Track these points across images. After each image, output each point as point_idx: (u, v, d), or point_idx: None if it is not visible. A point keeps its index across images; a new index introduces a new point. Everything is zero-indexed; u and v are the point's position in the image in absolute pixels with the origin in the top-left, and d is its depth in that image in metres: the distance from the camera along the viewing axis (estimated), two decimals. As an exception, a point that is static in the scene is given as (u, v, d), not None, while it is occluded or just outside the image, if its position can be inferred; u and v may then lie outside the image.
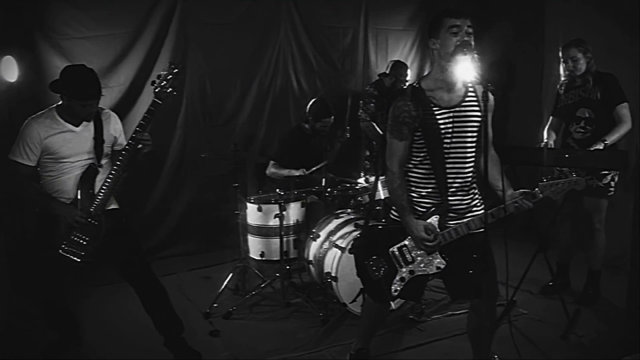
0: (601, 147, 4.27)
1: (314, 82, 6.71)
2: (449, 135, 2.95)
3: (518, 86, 6.95)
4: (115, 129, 3.69)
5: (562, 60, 4.60)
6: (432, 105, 2.94)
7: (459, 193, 3.03)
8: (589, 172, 4.42)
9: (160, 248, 6.00)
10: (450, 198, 3.01)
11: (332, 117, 5.36)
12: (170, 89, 3.51)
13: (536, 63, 6.53)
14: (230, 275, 4.88)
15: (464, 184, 3.03)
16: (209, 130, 6.14)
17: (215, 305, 4.61)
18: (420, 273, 3.08)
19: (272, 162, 5.36)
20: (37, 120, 3.41)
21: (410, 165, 3.08)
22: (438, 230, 2.98)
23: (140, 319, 3.84)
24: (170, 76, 3.52)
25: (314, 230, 4.76)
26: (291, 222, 4.84)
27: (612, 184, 4.53)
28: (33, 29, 5.16)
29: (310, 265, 4.71)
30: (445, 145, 2.96)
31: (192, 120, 6.05)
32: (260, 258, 4.86)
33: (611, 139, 4.33)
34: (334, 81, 6.85)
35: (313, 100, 5.45)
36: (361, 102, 6.33)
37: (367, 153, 6.45)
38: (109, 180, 3.47)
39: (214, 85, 6.11)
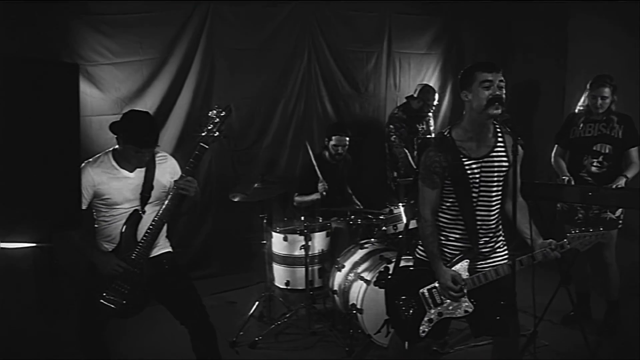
0: (623, 182, 4.35)
1: (338, 105, 6.79)
2: (477, 184, 3.03)
3: (540, 110, 6.97)
4: (172, 173, 3.62)
5: (590, 94, 4.58)
6: (462, 156, 3.01)
7: (486, 237, 3.11)
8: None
9: (187, 270, 6.05)
10: (479, 241, 3.09)
11: (347, 138, 5.43)
12: (217, 133, 3.48)
13: (558, 88, 6.55)
14: (257, 303, 4.96)
15: (489, 229, 3.11)
16: (233, 154, 6.23)
17: (241, 333, 4.68)
18: (448, 316, 3.15)
19: (296, 193, 5.45)
20: (92, 164, 3.40)
21: (439, 210, 3.15)
22: (468, 274, 3.06)
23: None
24: (218, 120, 3.50)
25: (338, 260, 4.83)
26: (316, 252, 4.91)
27: (622, 216, 4.60)
28: (61, 56, 5.23)
29: (335, 295, 4.78)
30: (473, 194, 3.04)
31: (218, 144, 6.09)
32: (285, 287, 4.95)
33: (630, 175, 4.43)
34: (358, 105, 6.92)
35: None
36: (392, 126, 6.38)
37: (395, 174, 6.45)
38: (151, 227, 3.45)
39: (239, 109, 6.18)
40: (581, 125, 4.67)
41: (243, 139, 6.29)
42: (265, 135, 6.41)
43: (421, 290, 3.16)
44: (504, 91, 2.97)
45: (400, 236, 4.96)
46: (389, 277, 3.46)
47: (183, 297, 3.65)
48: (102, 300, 3.39)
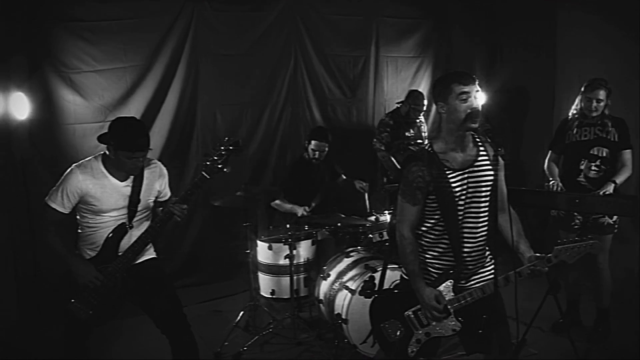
0: (612, 188, 4.28)
1: (326, 111, 6.74)
2: (463, 197, 2.95)
3: (531, 114, 6.93)
4: (161, 183, 3.62)
5: (585, 96, 4.52)
6: (446, 168, 2.94)
7: (473, 254, 3.02)
8: None
9: (172, 278, 5.98)
10: (464, 258, 3.01)
11: (326, 142, 5.45)
12: (221, 166, 3.36)
13: (548, 92, 6.51)
14: (242, 313, 4.89)
15: (476, 244, 3.02)
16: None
17: (226, 343, 4.61)
18: (436, 335, 3.08)
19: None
20: (82, 169, 3.35)
21: (424, 228, 3.06)
22: (453, 294, 2.98)
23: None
24: (225, 152, 3.37)
25: (324, 268, 4.77)
26: (301, 260, 4.86)
27: (618, 220, 4.53)
28: (44, 63, 5.20)
29: (321, 305, 4.72)
30: (459, 208, 2.96)
31: (203, 151, 6.05)
32: (270, 296, 4.89)
33: (619, 180, 4.35)
34: (346, 110, 6.87)
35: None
36: (377, 131, 6.34)
37: (385, 180, 6.40)
38: (135, 244, 3.42)
39: (224, 116, 6.13)
40: (575, 129, 4.61)
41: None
42: (251, 141, 6.35)
43: (406, 313, 3.09)
44: (480, 101, 2.91)
45: (387, 244, 4.90)
46: (375, 296, 3.39)
47: (163, 306, 3.59)
48: (68, 307, 3.36)
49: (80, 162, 3.41)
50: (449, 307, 2.98)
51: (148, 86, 5.71)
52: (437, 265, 3.05)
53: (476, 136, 3.01)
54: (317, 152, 5.43)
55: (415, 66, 7.18)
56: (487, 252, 3.12)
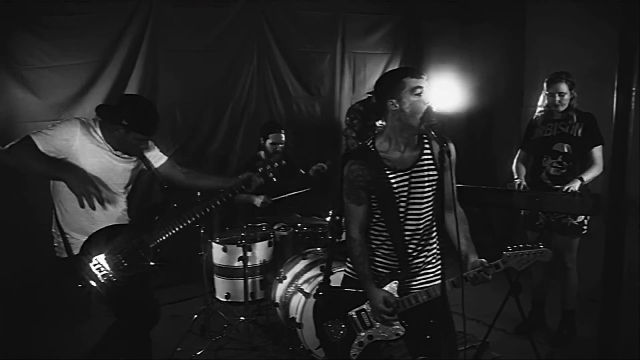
0: (577, 185, 4.14)
1: (291, 108, 6.59)
2: (405, 198, 2.83)
3: (499, 112, 6.82)
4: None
5: (546, 92, 4.43)
6: (386, 168, 2.81)
7: (415, 253, 2.91)
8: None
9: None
10: (408, 260, 2.90)
11: (283, 133, 5.34)
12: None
13: (517, 88, 6.42)
14: (195, 317, 4.74)
15: (419, 244, 2.91)
16: (180, 160, 5.97)
17: (179, 349, 4.47)
18: (379, 338, 2.97)
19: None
20: (83, 129, 3.20)
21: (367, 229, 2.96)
22: (397, 296, 2.86)
23: None
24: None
25: (281, 271, 4.62)
26: (257, 263, 4.73)
27: (586, 222, 4.42)
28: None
29: (277, 308, 4.57)
30: (400, 209, 2.83)
31: (162, 150, 5.88)
32: (226, 299, 4.73)
33: (587, 178, 4.24)
34: (312, 107, 6.72)
35: None
36: (347, 118, 6.17)
37: None
38: None
39: (185, 113, 5.98)
40: (541, 126, 4.53)
41: (189, 144, 6.08)
42: (213, 139, 6.21)
43: (350, 313, 2.98)
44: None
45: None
46: (319, 294, 3.24)
47: None
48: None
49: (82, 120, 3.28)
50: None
51: (104, 83, 5.54)
52: (383, 267, 2.94)
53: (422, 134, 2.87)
54: (277, 146, 5.29)
55: (383, 63, 7.05)
56: (434, 252, 3.00)
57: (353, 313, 2.98)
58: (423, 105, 2.72)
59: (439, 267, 2.95)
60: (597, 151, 4.33)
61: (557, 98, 4.35)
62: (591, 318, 4.69)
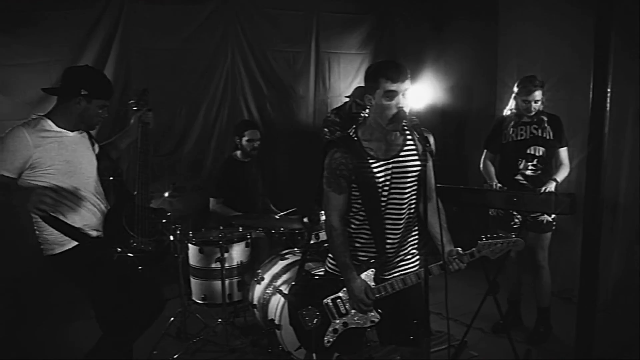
0: (553, 186, 4.24)
1: (265, 109, 6.53)
2: (387, 188, 2.84)
3: (473, 113, 6.86)
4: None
5: (520, 98, 4.45)
6: (369, 157, 2.82)
7: (394, 244, 2.93)
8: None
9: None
10: (387, 249, 2.91)
11: (259, 130, 5.35)
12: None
13: (490, 89, 6.46)
14: (172, 319, 4.66)
15: (399, 235, 2.93)
16: (152, 160, 5.89)
17: (155, 352, 4.39)
18: (354, 326, 2.99)
19: (212, 198, 5.25)
20: (30, 129, 3.12)
21: (347, 217, 2.97)
22: (374, 283, 2.89)
23: None
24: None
25: (258, 272, 4.56)
26: (235, 264, 4.64)
27: (555, 217, 4.49)
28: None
29: (255, 310, 4.51)
30: (382, 198, 2.85)
31: (135, 150, 5.78)
32: (202, 301, 4.66)
33: (560, 178, 4.35)
34: (286, 108, 6.67)
35: None
36: (326, 129, 6.13)
37: None
38: None
39: (158, 113, 5.81)
40: (511, 129, 4.56)
41: (162, 144, 5.98)
42: (186, 140, 6.12)
43: (325, 301, 3.00)
44: (409, 99, 2.77)
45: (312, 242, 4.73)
46: (292, 283, 3.31)
47: None
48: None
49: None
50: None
51: (74, 81, 5.39)
52: (361, 255, 2.96)
53: (404, 125, 2.86)
54: (254, 142, 5.27)
55: (358, 62, 7.02)
56: (412, 243, 3.03)
57: (328, 300, 3.00)
58: (393, 109, 2.72)
59: (418, 257, 3.02)
60: (564, 152, 4.48)
61: (533, 105, 4.41)
62: (566, 316, 4.79)
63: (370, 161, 2.82)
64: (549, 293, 4.66)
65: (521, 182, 4.52)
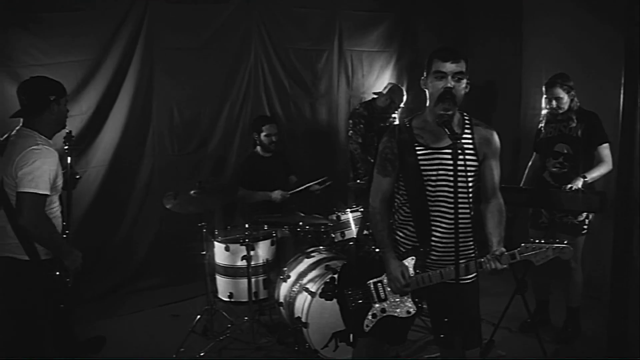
0: (580, 183, 4.15)
1: (288, 107, 6.52)
2: (434, 178, 2.79)
3: (498, 110, 6.80)
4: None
5: (545, 97, 4.46)
6: (417, 144, 2.81)
7: (445, 239, 2.85)
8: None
9: (128, 282, 5.78)
10: (433, 243, 2.86)
11: (275, 125, 5.38)
12: None
13: (515, 86, 6.41)
14: (198, 317, 4.68)
15: (449, 234, 2.80)
16: (177, 159, 5.93)
17: (182, 349, 4.41)
18: (390, 313, 2.98)
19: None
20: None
21: (396, 206, 3.00)
22: (412, 272, 2.86)
23: None
24: None
25: (284, 270, 4.57)
26: (260, 262, 4.66)
27: (587, 221, 4.42)
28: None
29: (281, 308, 4.52)
30: (429, 188, 2.81)
31: (160, 149, 5.84)
32: (228, 299, 4.67)
33: (591, 176, 4.25)
34: (309, 106, 6.65)
35: None
36: (350, 122, 6.12)
37: (352, 175, 6.20)
38: None
39: (182, 112, 5.90)
40: (543, 128, 4.58)
41: (187, 143, 6.00)
42: (210, 138, 6.12)
43: (368, 282, 3.03)
44: (464, 84, 2.73)
45: (351, 243, 4.72)
46: (345, 264, 3.42)
47: None
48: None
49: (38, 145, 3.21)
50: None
51: (100, 81, 5.44)
52: (405, 245, 2.96)
53: (466, 117, 2.86)
54: (272, 137, 5.29)
55: (381, 60, 6.98)
56: (468, 245, 2.93)
57: (371, 283, 3.02)
58: (440, 89, 2.70)
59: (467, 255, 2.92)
60: (604, 149, 4.33)
61: (555, 103, 4.39)
62: (594, 315, 4.74)
63: (417, 147, 2.81)
64: (580, 294, 4.61)
65: (547, 179, 4.50)
